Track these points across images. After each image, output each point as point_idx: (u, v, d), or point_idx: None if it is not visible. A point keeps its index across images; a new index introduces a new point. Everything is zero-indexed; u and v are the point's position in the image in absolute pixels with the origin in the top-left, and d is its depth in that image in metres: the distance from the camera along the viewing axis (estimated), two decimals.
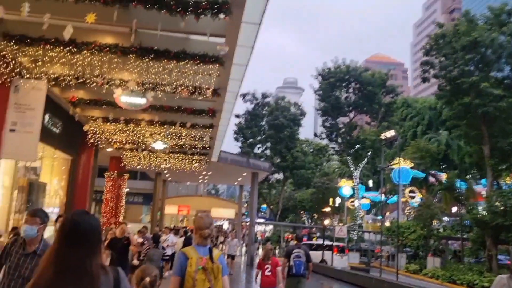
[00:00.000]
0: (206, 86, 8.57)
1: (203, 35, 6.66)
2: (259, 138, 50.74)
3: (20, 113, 8.70)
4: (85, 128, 12.42)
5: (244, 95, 49.40)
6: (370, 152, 46.43)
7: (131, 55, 7.24)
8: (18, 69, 7.82)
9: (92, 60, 7.41)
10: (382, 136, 22.61)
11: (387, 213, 61.67)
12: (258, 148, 51.34)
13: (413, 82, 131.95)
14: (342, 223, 41.42)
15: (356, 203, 44.79)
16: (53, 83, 8.88)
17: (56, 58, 7.33)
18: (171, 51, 7.29)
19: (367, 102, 49.22)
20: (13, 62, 7.59)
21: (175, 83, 8.36)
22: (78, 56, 7.28)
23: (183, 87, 8.73)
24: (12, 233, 9.59)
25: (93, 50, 7.10)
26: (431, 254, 27.28)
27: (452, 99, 25.30)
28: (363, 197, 45.90)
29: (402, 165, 32.92)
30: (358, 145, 48.90)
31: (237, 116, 50.22)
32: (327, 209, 45.83)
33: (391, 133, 21.80)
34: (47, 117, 11.63)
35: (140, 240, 10.07)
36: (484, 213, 22.79)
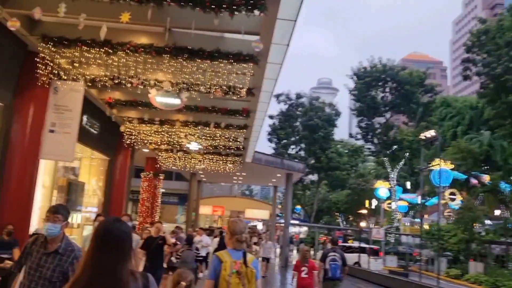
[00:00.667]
0: (240, 86, 8.45)
1: (238, 33, 6.55)
2: (293, 139, 50.38)
3: (59, 114, 8.87)
4: (121, 129, 12.58)
5: (278, 96, 49.19)
6: (407, 153, 45.22)
7: (165, 55, 7.21)
8: (56, 71, 7.94)
9: (127, 60, 7.43)
10: (422, 136, 21.85)
11: (426, 216, 59.97)
12: (292, 149, 50.99)
13: (452, 81, 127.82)
14: (379, 226, 40.57)
15: (393, 205, 43.73)
16: (90, 84, 8.99)
17: (92, 59, 7.40)
18: (205, 50, 7.21)
19: (405, 102, 47.93)
20: (52, 63, 7.71)
21: (209, 83, 8.28)
22: (113, 56, 7.33)
23: (217, 87, 8.65)
24: None
25: (128, 50, 7.11)
26: (473, 259, 26.20)
27: (495, 98, 24.22)
28: (400, 199, 44.81)
29: (442, 166, 31.85)
30: (395, 146, 47.72)
31: (271, 117, 50.06)
32: (363, 211, 44.92)
33: (431, 133, 21.03)
34: (85, 118, 11.87)
35: (173, 240, 10.06)
36: None
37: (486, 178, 29.97)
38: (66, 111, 8.89)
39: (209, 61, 7.32)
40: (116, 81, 8.73)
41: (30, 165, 8.47)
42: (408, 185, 47.13)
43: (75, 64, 7.91)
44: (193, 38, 6.92)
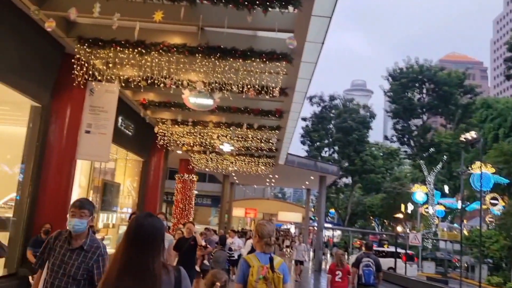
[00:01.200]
0: (273, 85, 8.31)
1: (271, 30, 6.40)
2: (326, 141, 49.82)
3: (95, 115, 9.00)
4: (155, 130, 12.68)
5: (311, 98, 48.83)
6: (445, 156, 43.81)
7: (198, 54, 7.17)
8: (91, 72, 8.05)
9: (160, 60, 7.44)
10: (462, 138, 20.98)
11: (464, 221, 57.90)
12: (325, 152, 50.43)
13: (493, 82, 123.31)
14: (415, 231, 39.47)
15: (431, 209, 42.45)
16: (124, 85, 9.08)
17: (126, 60, 7.45)
18: (238, 49, 7.11)
19: (443, 103, 46.53)
20: (87, 65, 7.82)
21: (241, 82, 8.18)
22: (146, 57, 7.34)
23: (249, 87, 8.54)
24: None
25: (161, 50, 7.11)
26: None
27: None
28: (438, 204, 43.47)
29: (483, 170, 30.63)
30: (432, 149, 46.33)
31: (304, 119, 49.71)
32: (400, 216, 43.81)
33: (472, 135, 20.18)
34: (120, 119, 12.04)
35: (203, 243, 10.00)
36: None
37: None
38: (101, 112, 9.01)
39: (241, 60, 7.22)
40: (150, 82, 8.77)
41: (67, 165, 8.62)
42: (446, 189, 45.71)
43: (109, 65, 7.99)
44: (225, 37, 6.85)
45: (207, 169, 23.07)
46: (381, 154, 54.18)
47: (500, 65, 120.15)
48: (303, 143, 49.94)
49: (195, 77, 8.92)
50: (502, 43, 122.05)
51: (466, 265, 30.16)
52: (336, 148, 49.34)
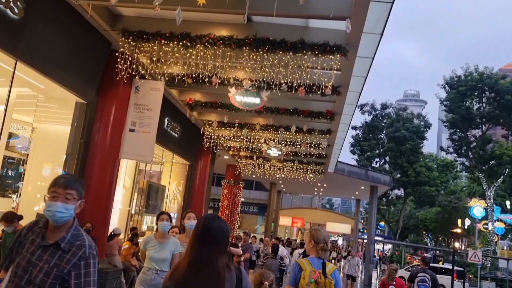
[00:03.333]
0: (325, 82, 7.69)
1: (325, 18, 5.84)
2: (377, 151, 48.10)
3: (139, 113, 8.78)
4: (202, 130, 12.37)
5: (362, 106, 47.39)
6: (507, 169, 41.01)
7: (245, 47, 6.72)
8: (135, 66, 7.80)
9: (206, 54, 7.06)
10: None
11: None
12: (376, 162, 48.68)
13: None
14: (472, 247, 37.11)
15: (490, 225, 39.83)
16: (169, 83, 8.80)
17: (171, 53, 7.13)
18: (288, 41, 6.60)
19: (504, 113, 43.66)
20: (131, 59, 7.58)
21: (291, 77, 7.63)
22: (192, 50, 6.99)
23: (300, 84, 7.99)
24: (131, 233, 9.82)
25: (206, 43, 6.74)
26: None
27: None
28: (498, 220, 40.74)
29: None
30: (493, 161, 43.52)
31: (354, 128, 48.30)
32: (457, 231, 41.42)
33: None
34: (166, 120, 11.86)
35: (239, 251, 9.52)
36: None
37: None
38: (146, 110, 8.78)
39: (292, 53, 6.70)
40: (195, 79, 8.43)
41: (111, 164, 8.43)
42: (508, 204, 42.79)
43: (154, 59, 7.71)
44: (275, 29, 6.37)
45: (254, 176, 22.68)
46: (435, 166, 51.68)
47: None
48: (352, 152, 48.48)
49: (242, 74, 8.49)
50: None
51: None
52: (388, 158, 47.52)
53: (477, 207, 38.54)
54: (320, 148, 13.50)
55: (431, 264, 24.81)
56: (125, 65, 7.33)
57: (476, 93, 45.21)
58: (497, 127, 49.19)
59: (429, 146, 61.15)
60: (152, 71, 8.23)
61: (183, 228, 5.39)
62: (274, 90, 8.22)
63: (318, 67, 7.01)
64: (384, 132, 47.68)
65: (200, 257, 2.28)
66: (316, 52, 6.54)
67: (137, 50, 7.30)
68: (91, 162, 8.14)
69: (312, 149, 13.40)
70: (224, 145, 14.35)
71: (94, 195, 8.10)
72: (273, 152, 13.77)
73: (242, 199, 27.41)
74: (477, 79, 44.50)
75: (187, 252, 2.34)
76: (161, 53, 7.23)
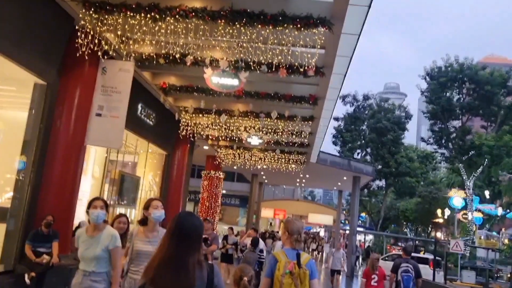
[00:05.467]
0: (308, 61, 7.10)
1: None
2: (359, 142, 48.01)
3: (107, 96, 8.07)
4: (177, 117, 11.67)
5: (344, 97, 47.13)
6: (486, 160, 41.36)
7: (220, 20, 6.09)
8: (102, 46, 7.09)
9: (177, 28, 6.39)
10: None
11: (503, 229, 54.94)
12: (358, 153, 48.61)
13: None
14: (451, 237, 37.43)
15: (469, 216, 40.23)
16: (140, 63, 8.10)
17: (138, 27, 6.44)
18: (268, 13, 5.99)
19: (484, 104, 43.96)
20: (94, 35, 6.85)
21: (271, 55, 7.03)
22: (161, 23, 6.32)
23: (281, 65, 7.40)
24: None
25: (177, 15, 6.07)
26: None
27: None
28: (477, 210, 41.19)
29: None
30: (472, 152, 43.86)
31: (336, 119, 48.05)
32: (439, 221, 41.71)
33: None
34: (139, 107, 11.15)
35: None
36: None
37: None
38: (114, 93, 8.07)
39: (271, 27, 6.09)
40: (168, 59, 7.76)
41: (75, 152, 7.71)
42: (487, 194, 43.26)
43: (122, 37, 7.02)
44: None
45: (234, 167, 22.09)
46: (416, 157, 52.01)
47: None
48: (335, 143, 48.26)
49: (219, 54, 7.86)
50: None
51: (509, 276, 28.14)
52: (369, 149, 47.50)
53: (457, 198, 38.81)
54: (302, 136, 12.97)
55: (424, 256, 24.83)
56: (86, 40, 6.60)
57: (456, 84, 45.42)
58: (477, 118, 49.63)
59: (409, 137, 61.40)
60: (120, 50, 7.52)
61: (142, 220, 4.36)
62: (253, 70, 7.59)
63: (301, 42, 6.41)
64: (366, 123, 47.60)
65: (172, 254, 2.31)
66: (299, 25, 5.94)
67: (100, 24, 6.58)
68: (53, 149, 7.40)
69: (294, 136, 12.86)
70: (202, 133, 13.68)
71: (57, 185, 7.40)
72: (254, 140, 13.17)
73: (224, 191, 26.84)
74: (458, 70, 44.68)
75: (159, 249, 2.37)
76: (126, 26, 6.52)
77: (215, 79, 7.81)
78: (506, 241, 43.85)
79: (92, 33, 6.71)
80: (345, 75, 8.87)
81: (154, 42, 7.03)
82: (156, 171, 14.46)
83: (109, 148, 9.56)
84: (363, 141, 47.67)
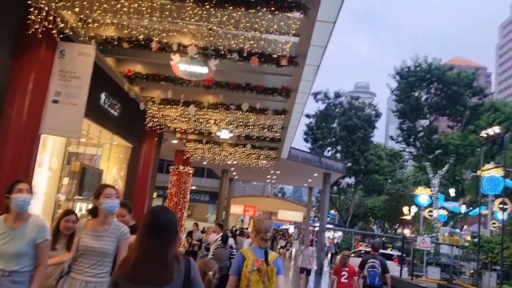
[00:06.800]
0: (282, 49, 6.76)
1: None
2: (329, 140, 48.31)
3: (65, 82, 7.47)
4: (141, 106, 11.10)
5: (315, 94, 47.29)
6: (452, 159, 42.32)
7: (188, 0, 5.65)
8: (59, 25, 6.51)
9: (140, 6, 5.91)
10: (483, 134, 19.41)
11: (465, 226, 56.67)
12: (328, 151, 48.92)
13: (498, 87, 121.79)
14: (417, 234, 38.17)
15: (435, 213, 41.11)
16: (101, 47, 7.54)
17: (97, 4, 5.91)
18: None
19: (451, 104, 45.02)
20: (48, 11, 6.26)
21: (242, 40, 6.64)
22: (123, 1, 5.82)
23: (253, 53, 7.02)
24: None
25: None
26: None
27: None
28: (442, 207, 42.15)
29: (492, 173, 29.24)
30: (438, 150, 44.83)
31: (308, 116, 48.19)
32: (407, 218, 42.43)
33: (495, 130, 18.64)
34: (103, 96, 10.54)
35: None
36: None
37: None
38: (73, 78, 7.48)
39: (243, 9, 5.70)
40: (133, 43, 7.24)
41: (29, 141, 7.09)
42: (452, 192, 44.33)
43: (80, 16, 6.45)
44: None
45: (204, 162, 21.59)
46: (385, 155, 52.83)
47: (506, 70, 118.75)
48: (306, 140, 48.39)
49: (188, 40, 7.40)
50: (508, 49, 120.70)
51: (472, 272, 28.80)
52: (339, 147, 47.87)
53: (423, 195, 39.52)
54: (274, 131, 12.64)
55: (389, 252, 25.09)
56: (40, 17, 6.01)
57: (424, 84, 46.31)
58: (443, 118, 50.80)
59: (378, 136, 62.37)
60: (79, 32, 6.95)
61: (93, 211, 3.70)
62: (224, 57, 7.16)
63: (275, 26, 6.04)
64: (337, 120, 47.93)
65: (148, 250, 2.30)
66: (272, 8, 5.57)
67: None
68: (3, 138, 6.78)
69: (265, 130, 12.52)
70: (170, 125, 13.15)
71: (7, 177, 6.76)
72: (224, 134, 12.76)
73: (193, 187, 26.29)
74: (426, 70, 45.57)
75: (135, 245, 2.37)
76: (85, 3, 5.98)
77: (182, 66, 7.36)
78: (469, 237, 45.13)
79: (46, 9, 6.12)
80: (318, 67, 8.57)
81: (116, 23, 6.52)
82: (121, 165, 13.83)
83: (67, 138, 8.94)
84: (333, 139, 48.00)
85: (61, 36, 6.89)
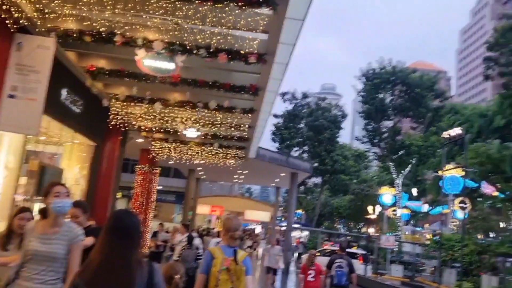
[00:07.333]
0: (250, 46, 6.65)
1: None
2: (297, 140, 48.69)
3: (22, 76, 7.10)
4: (104, 103, 10.74)
5: (283, 94, 47.54)
6: (415, 159, 43.47)
7: None
8: (13, 14, 6.16)
9: None
10: (445, 135, 19.98)
11: (426, 225, 58.46)
12: (296, 151, 49.30)
13: (457, 90, 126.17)
14: (381, 233, 39.00)
15: (398, 212, 42.10)
16: (61, 40, 7.20)
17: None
18: None
19: (414, 106, 46.30)
20: (6, 3, 5.93)
21: (209, 34, 6.49)
22: None
23: (220, 49, 6.88)
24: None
25: None
26: (484, 272, 24.32)
27: None
28: (405, 207, 43.21)
29: (452, 173, 30.16)
30: (402, 151, 46.02)
31: (276, 116, 48.41)
32: (372, 217, 43.24)
33: (456, 131, 19.21)
34: (64, 92, 10.11)
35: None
36: None
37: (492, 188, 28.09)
38: (31, 72, 7.11)
39: (211, 3, 5.55)
40: (95, 37, 6.96)
41: None
42: (415, 192, 45.50)
43: (37, 5, 6.12)
44: None
45: (170, 162, 21.23)
46: (350, 155, 53.74)
47: (465, 74, 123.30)
48: (274, 140, 48.59)
49: (153, 35, 7.18)
50: (467, 53, 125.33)
51: (433, 269, 29.65)
52: (306, 147, 48.32)
53: (387, 195, 40.32)
54: (242, 130, 12.53)
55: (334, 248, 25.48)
56: (6, 17, 5.66)
57: (389, 86, 47.40)
58: (406, 119, 52.17)
59: (344, 136, 63.44)
60: (37, 23, 6.61)
61: (43, 211, 3.46)
62: (191, 53, 6.98)
63: (243, 22, 5.93)
64: (304, 121, 48.36)
65: (111, 254, 2.24)
66: (241, 3, 5.46)
67: None
68: None
69: (233, 129, 12.38)
70: (135, 123, 12.81)
71: None
72: (191, 132, 12.53)
73: (160, 187, 25.84)
74: (391, 72, 46.65)
75: (97, 249, 2.30)
76: None
77: (148, 62, 7.14)
78: (430, 236, 46.49)
79: None
80: (287, 65, 8.53)
81: (77, 14, 6.24)
82: (83, 164, 13.35)
83: (25, 135, 8.52)
84: (301, 139, 48.40)
85: (17, 27, 6.55)
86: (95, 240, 2.41)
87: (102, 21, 6.44)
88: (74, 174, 13.08)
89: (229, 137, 13.82)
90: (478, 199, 36.10)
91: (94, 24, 6.90)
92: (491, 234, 36.62)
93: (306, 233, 47.72)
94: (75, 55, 9.09)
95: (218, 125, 12.13)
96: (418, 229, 54.50)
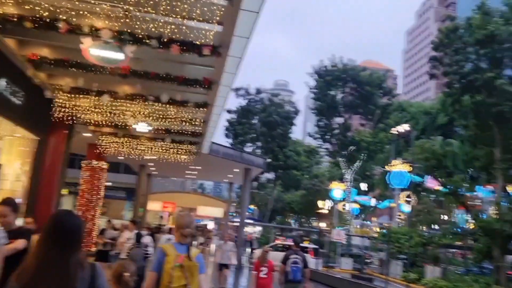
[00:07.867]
0: (204, 38, 6.44)
1: None
2: (250, 136, 48.77)
3: None
4: (47, 94, 10.13)
5: (237, 90, 47.41)
6: (364, 155, 44.79)
7: None
8: None
9: None
10: (394, 131, 20.64)
11: (374, 219, 60.58)
12: (249, 146, 49.38)
13: (403, 89, 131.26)
14: (331, 227, 39.94)
15: (348, 206, 43.26)
16: (0, 27, 6.67)
17: None
18: None
19: (363, 103, 47.65)
20: None
21: (162, 24, 6.21)
22: None
23: (173, 40, 6.61)
24: None
25: None
26: (428, 263, 25.52)
27: (461, 97, 23.59)
28: (354, 201, 44.47)
29: (399, 168, 31.34)
30: (352, 147, 47.24)
31: (229, 111, 48.20)
32: (324, 211, 44.10)
33: (404, 127, 19.85)
34: (3, 82, 9.44)
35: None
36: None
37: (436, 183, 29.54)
38: None
39: None
40: (38, 23, 6.48)
41: None
42: (364, 187, 46.87)
43: None
44: None
45: (120, 157, 20.52)
46: (303, 151, 54.54)
47: (411, 73, 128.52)
48: (227, 136, 48.36)
49: (101, 22, 6.80)
50: (413, 53, 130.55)
51: (380, 261, 30.69)
52: (260, 143, 48.52)
53: (337, 190, 41.23)
54: (195, 124, 12.25)
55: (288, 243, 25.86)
56: None
57: (340, 83, 48.46)
58: (356, 116, 53.62)
59: (296, 132, 64.39)
60: None
61: None
62: (142, 44, 6.66)
63: (198, 11, 5.71)
64: (257, 117, 48.49)
65: (49, 257, 2.15)
66: None
67: None
68: None
69: (186, 124, 12.07)
70: (82, 117, 12.20)
71: None
72: (141, 127, 12.11)
73: (109, 183, 24.93)
74: (342, 70, 47.69)
75: (34, 252, 2.22)
76: None
77: (94, 51, 6.75)
78: (377, 229, 48.15)
79: None
80: (241, 59, 8.36)
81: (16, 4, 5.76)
82: (25, 159, 12.60)
83: None
84: (254, 135, 48.52)
85: None
86: (26, 243, 2.32)
87: (45, 6, 5.99)
88: (15, 170, 12.32)
89: (181, 132, 13.49)
90: (422, 193, 37.84)
91: (36, 8, 6.42)
92: (435, 227, 38.51)
93: (259, 228, 48.00)
94: (15, 42, 8.47)
95: (171, 120, 11.79)
96: (367, 222, 56.37)
